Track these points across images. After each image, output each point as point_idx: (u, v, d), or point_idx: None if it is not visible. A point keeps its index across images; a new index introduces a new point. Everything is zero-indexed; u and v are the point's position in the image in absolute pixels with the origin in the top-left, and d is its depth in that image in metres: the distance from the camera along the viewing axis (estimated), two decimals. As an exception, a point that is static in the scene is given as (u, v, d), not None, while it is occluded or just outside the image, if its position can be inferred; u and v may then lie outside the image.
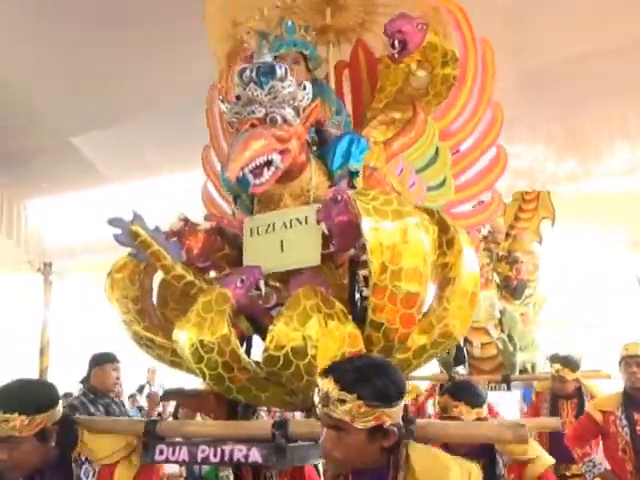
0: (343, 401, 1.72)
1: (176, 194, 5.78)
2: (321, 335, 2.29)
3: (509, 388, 4.96)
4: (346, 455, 1.75)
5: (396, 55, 3.12)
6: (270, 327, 2.34)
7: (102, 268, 2.60)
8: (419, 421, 1.94)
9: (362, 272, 2.54)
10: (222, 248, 2.76)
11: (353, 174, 2.76)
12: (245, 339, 2.68)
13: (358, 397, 1.73)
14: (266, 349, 2.32)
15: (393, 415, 1.76)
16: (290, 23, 3.09)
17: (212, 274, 2.97)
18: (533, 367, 5.43)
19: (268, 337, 2.32)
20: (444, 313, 2.44)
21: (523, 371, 5.34)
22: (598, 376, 4.93)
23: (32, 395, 2.27)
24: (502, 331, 5.28)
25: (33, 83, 4.87)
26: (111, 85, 4.73)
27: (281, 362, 2.30)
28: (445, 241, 2.48)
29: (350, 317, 2.38)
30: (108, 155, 5.90)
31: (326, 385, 1.76)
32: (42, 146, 5.71)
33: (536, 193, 5.48)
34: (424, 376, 5.02)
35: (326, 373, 1.79)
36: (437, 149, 3.16)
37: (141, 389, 8.87)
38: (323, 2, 3.69)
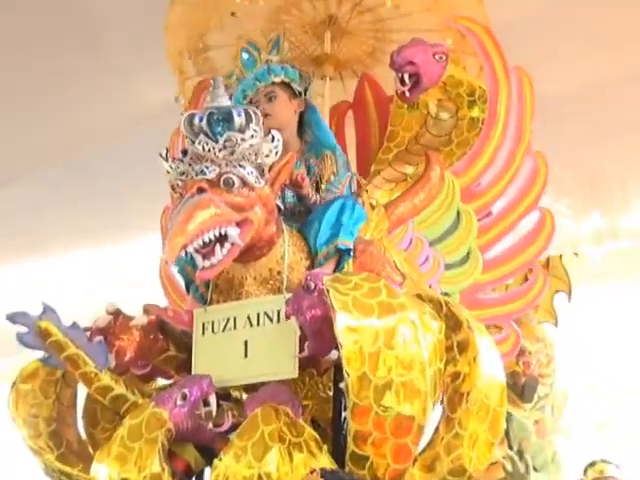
0: None
1: (86, 275, 5.72)
2: (284, 473, 2.19)
3: None
4: None
5: (407, 93, 3.08)
6: (215, 462, 2.26)
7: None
8: None
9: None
10: (165, 349, 2.69)
11: (344, 253, 2.70)
12: (194, 475, 2.58)
13: None
14: (209, 493, 2.23)
15: None
16: (246, 56, 3.07)
17: (162, 381, 2.93)
18: None
19: (211, 476, 2.24)
20: (455, 441, 2.33)
21: None
22: None
23: None
24: (509, 447, 5.00)
25: None
26: None
27: (229, 510, 2.21)
28: (456, 343, 2.38)
29: (325, 448, 2.29)
30: None
31: (310, 479, 1.86)
32: None
33: (545, 259, 5.30)
34: None
35: (313, 470, 1.90)
36: (458, 213, 3.11)
37: None
38: (321, 25, 3.73)
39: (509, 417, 5.03)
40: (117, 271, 5.71)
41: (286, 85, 3.09)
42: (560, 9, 4.17)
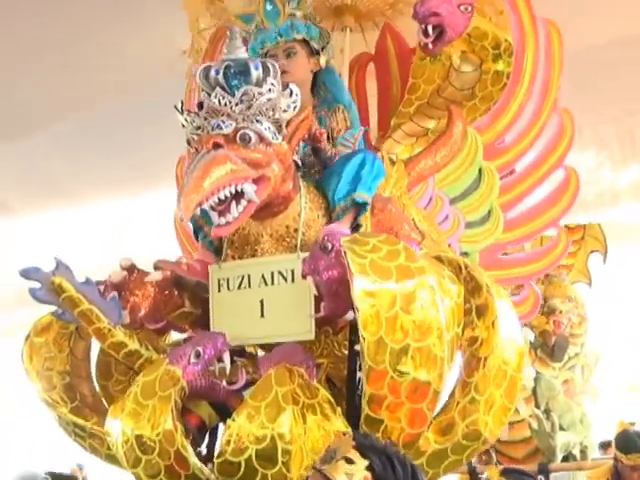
0: (350, 461, 1.72)
1: (103, 228, 5.68)
2: (297, 434, 2.20)
3: None
4: None
5: (430, 45, 3.01)
6: (228, 422, 2.25)
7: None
8: None
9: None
10: (180, 305, 2.66)
11: (361, 207, 2.65)
12: (208, 430, 2.58)
13: (369, 467, 1.72)
14: (221, 453, 2.24)
15: None
16: (269, 6, 2.98)
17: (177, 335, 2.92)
18: (583, 452, 5.16)
19: (224, 436, 2.24)
20: (471, 406, 2.33)
21: (568, 457, 5.09)
22: None
23: None
24: (537, 406, 5.05)
25: None
26: (9, 88, 4.59)
27: (242, 471, 2.21)
28: (475, 307, 2.36)
29: (339, 410, 2.28)
30: (9, 177, 5.68)
31: (339, 441, 1.79)
32: None
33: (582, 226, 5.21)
34: None
35: (346, 433, 1.88)
36: (480, 171, 3.05)
37: None
38: (341, -26, 3.61)
39: (538, 376, 5.03)
40: (134, 222, 5.68)
41: (305, 42, 3.00)
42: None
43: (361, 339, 2.15)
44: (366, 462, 1.71)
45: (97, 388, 2.80)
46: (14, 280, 2.50)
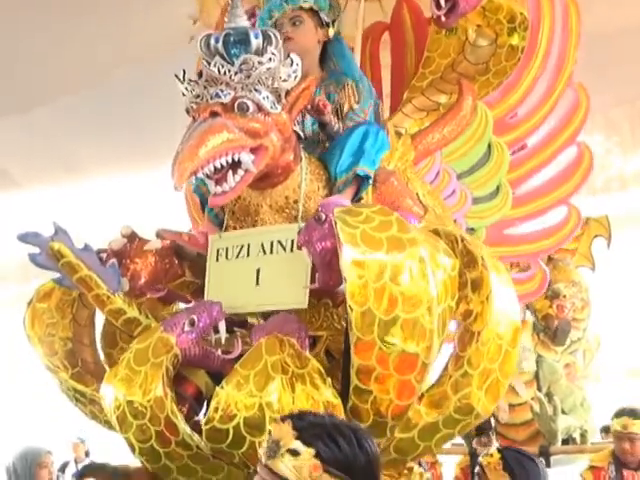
0: (295, 453, 1.64)
1: (109, 201, 5.69)
2: (285, 403, 2.18)
3: (549, 464, 4.66)
4: None
5: (443, 17, 2.93)
6: (217, 389, 2.24)
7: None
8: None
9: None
10: (181, 274, 2.66)
11: (363, 180, 2.60)
12: (205, 400, 2.57)
13: (316, 455, 1.64)
14: (209, 420, 2.23)
15: None
16: None
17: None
18: (583, 436, 5.12)
19: (213, 403, 2.23)
20: (464, 380, 2.29)
21: (568, 441, 5.04)
22: None
23: None
24: (538, 389, 5.02)
25: None
26: (18, 63, 4.61)
27: (230, 438, 2.21)
28: (470, 280, 2.31)
29: (329, 381, 2.25)
30: (17, 151, 5.71)
31: (279, 431, 1.69)
32: None
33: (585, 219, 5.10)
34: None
35: (284, 418, 1.74)
36: (489, 146, 2.98)
37: (64, 468, 8.06)
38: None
39: (540, 359, 4.99)
40: (138, 198, 5.71)
41: (314, 12, 2.92)
42: None
43: (349, 309, 2.12)
44: (312, 450, 1.63)
45: (102, 356, 2.81)
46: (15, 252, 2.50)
